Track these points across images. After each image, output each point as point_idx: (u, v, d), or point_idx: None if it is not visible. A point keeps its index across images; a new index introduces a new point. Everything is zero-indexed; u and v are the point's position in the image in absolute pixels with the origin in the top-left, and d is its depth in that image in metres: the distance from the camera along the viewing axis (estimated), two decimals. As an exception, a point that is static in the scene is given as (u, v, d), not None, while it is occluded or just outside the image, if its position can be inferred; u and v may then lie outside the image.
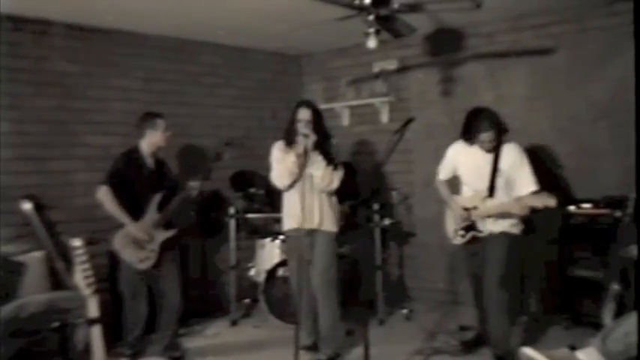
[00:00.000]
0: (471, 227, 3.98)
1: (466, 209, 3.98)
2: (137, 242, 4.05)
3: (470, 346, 4.21)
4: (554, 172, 4.85)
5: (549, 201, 3.58)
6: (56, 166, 4.73)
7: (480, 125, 3.82)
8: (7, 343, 3.57)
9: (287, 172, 3.98)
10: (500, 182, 3.87)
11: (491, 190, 3.88)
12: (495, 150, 3.88)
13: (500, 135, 3.85)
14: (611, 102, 4.58)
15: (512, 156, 3.87)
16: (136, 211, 4.08)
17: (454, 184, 4.19)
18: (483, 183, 3.91)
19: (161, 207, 4.14)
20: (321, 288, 4.03)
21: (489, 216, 3.88)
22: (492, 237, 3.91)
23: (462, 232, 4.02)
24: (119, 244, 4.05)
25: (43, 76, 4.67)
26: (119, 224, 4.08)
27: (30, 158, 4.59)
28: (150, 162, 4.22)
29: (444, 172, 4.19)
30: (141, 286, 4.17)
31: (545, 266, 4.82)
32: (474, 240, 4.00)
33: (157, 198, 4.13)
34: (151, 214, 4.11)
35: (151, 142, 4.18)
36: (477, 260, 4.05)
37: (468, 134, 3.92)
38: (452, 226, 4.12)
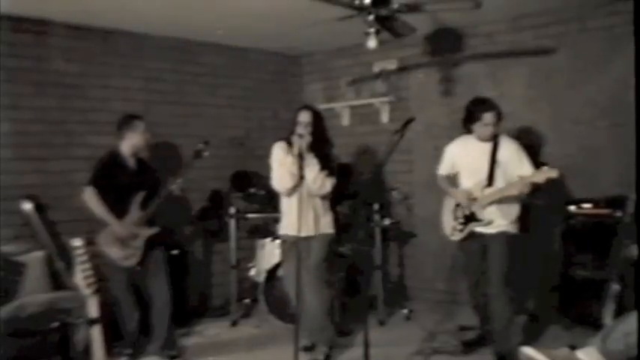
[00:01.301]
0: (469, 219, 3.99)
1: (468, 199, 4.00)
2: (121, 240, 4.09)
3: (470, 346, 4.21)
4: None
5: (551, 173, 3.63)
6: (56, 166, 4.74)
7: (484, 107, 3.93)
8: (7, 343, 3.57)
9: (288, 174, 3.98)
10: (498, 173, 3.93)
11: (490, 180, 3.93)
12: (493, 140, 3.96)
13: (498, 121, 3.94)
14: (611, 102, 4.58)
15: (509, 147, 3.96)
16: (119, 211, 4.12)
17: (453, 181, 4.21)
18: (482, 174, 3.95)
19: (144, 205, 4.18)
20: (311, 285, 4.02)
21: (491, 203, 3.90)
22: (492, 237, 3.93)
23: (460, 227, 4.03)
24: (103, 242, 4.09)
25: (43, 76, 4.67)
26: (106, 224, 4.11)
27: (30, 158, 4.59)
28: (131, 163, 4.27)
29: (443, 169, 4.23)
30: (124, 282, 4.18)
31: (545, 266, 4.82)
32: (471, 237, 4.00)
33: (139, 197, 4.17)
34: (134, 212, 4.15)
35: (130, 143, 4.24)
36: (475, 260, 4.06)
37: (470, 121, 3.99)
38: (450, 222, 4.13)
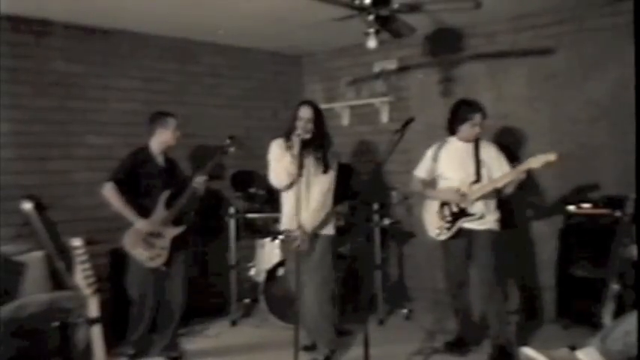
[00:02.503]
0: (458, 216, 3.99)
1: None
2: (147, 240, 4.04)
3: (452, 347, 4.22)
4: (554, 172, 4.85)
5: (548, 156, 3.68)
6: (56, 166, 4.74)
7: (472, 108, 4.03)
8: (7, 343, 3.57)
9: (285, 171, 3.98)
10: (484, 171, 4.00)
11: (478, 176, 3.98)
12: (474, 142, 4.05)
13: (482, 120, 4.04)
14: (611, 102, 4.58)
15: (490, 149, 4.08)
16: (145, 209, 4.07)
17: (429, 185, 4.24)
18: (468, 170, 4.00)
19: (170, 204, 4.14)
20: (314, 288, 4.02)
21: (483, 196, 3.94)
22: (479, 234, 3.98)
23: (447, 225, 4.03)
24: (129, 243, 4.02)
25: (43, 76, 4.67)
26: (127, 223, 4.06)
27: (30, 158, 4.59)
28: (160, 160, 4.23)
29: (422, 171, 4.24)
30: (150, 285, 4.14)
31: (544, 266, 4.83)
32: (457, 236, 4.02)
33: (165, 195, 4.13)
34: (160, 211, 4.10)
35: (161, 140, 4.19)
36: (457, 260, 4.10)
37: (457, 122, 4.06)
38: (434, 222, 4.13)
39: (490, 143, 4.15)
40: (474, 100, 4.13)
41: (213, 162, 4.36)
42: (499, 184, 3.92)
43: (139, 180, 4.09)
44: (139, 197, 4.08)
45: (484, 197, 3.97)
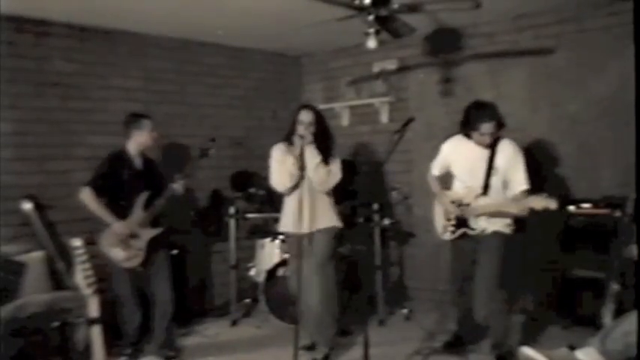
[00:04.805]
0: (461, 224, 3.95)
1: (459, 205, 3.94)
2: (123, 241, 4.07)
3: (450, 347, 4.21)
4: (554, 172, 4.86)
5: (550, 203, 3.50)
6: (56, 166, 4.74)
7: (483, 116, 3.76)
8: (7, 342, 3.57)
9: (287, 173, 3.97)
10: (494, 180, 3.84)
11: (486, 188, 3.85)
12: (492, 146, 3.84)
13: (498, 130, 3.81)
14: (611, 102, 4.58)
15: (507, 153, 3.83)
16: (123, 210, 4.10)
17: (445, 179, 4.16)
18: (477, 180, 3.87)
19: (148, 206, 4.16)
20: (318, 281, 4.02)
21: (483, 214, 3.85)
22: (486, 237, 3.88)
23: (451, 228, 4.00)
24: (106, 243, 4.06)
25: (43, 76, 4.67)
26: (107, 224, 4.09)
27: (30, 158, 4.59)
28: (138, 162, 4.25)
29: (437, 168, 4.15)
30: (128, 285, 4.17)
31: (544, 266, 4.82)
32: (463, 237, 3.97)
33: (142, 197, 4.15)
34: (137, 212, 4.13)
35: (137, 142, 4.22)
36: (464, 259, 4.05)
37: (467, 127, 3.87)
38: (441, 220, 4.10)
39: (511, 146, 3.85)
40: (489, 104, 3.83)
41: (193, 164, 4.38)
42: (500, 210, 3.78)
43: (117, 182, 4.13)
44: (118, 199, 4.11)
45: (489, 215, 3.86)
